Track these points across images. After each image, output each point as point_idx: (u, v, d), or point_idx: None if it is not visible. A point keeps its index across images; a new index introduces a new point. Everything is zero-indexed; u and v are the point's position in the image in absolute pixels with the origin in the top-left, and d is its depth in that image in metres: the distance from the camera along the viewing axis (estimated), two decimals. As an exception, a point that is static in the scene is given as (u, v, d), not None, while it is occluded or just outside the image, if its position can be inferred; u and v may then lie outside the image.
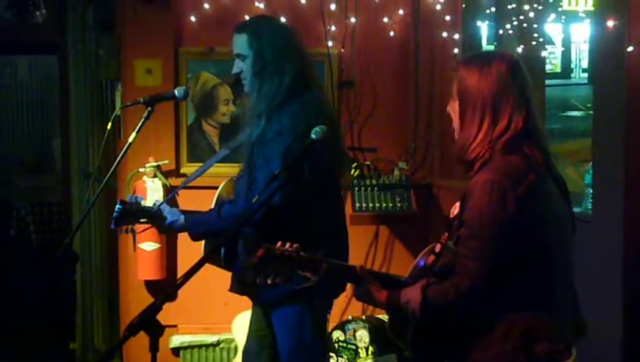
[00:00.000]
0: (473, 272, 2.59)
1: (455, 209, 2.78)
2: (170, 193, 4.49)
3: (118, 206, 3.80)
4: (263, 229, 3.53)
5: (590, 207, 4.72)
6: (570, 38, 23.11)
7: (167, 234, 4.16)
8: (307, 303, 3.54)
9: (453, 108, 2.83)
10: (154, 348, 2.52)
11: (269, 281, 2.96)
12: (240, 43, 3.82)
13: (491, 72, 2.73)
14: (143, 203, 3.91)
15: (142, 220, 3.86)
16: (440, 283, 2.66)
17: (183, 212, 3.88)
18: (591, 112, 4.62)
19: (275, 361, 4.03)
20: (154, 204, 3.91)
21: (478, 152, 2.70)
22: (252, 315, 4.20)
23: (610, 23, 4.10)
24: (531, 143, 2.72)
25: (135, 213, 3.83)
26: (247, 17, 4.74)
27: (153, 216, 3.83)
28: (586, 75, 23.41)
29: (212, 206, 3.95)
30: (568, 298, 2.77)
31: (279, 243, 2.83)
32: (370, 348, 5.27)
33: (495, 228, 2.58)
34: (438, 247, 2.79)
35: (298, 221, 3.67)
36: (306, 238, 3.39)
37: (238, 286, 3.97)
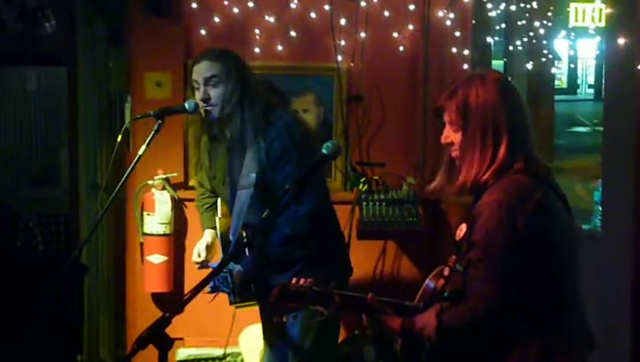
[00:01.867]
0: (486, 294, 2.58)
1: (461, 231, 2.74)
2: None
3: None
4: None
5: (599, 224, 4.72)
6: (577, 54, 23.14)
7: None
8: None
9: (450, 135, 2.83)
10: (162, 361, 2.52)
11: (284, 319, 2.98)
12: (216, 68, 3.97)
13: (489, 89, 2.73)
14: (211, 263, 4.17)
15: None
16: (454, 308, 2.63)
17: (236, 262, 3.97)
18: (597, 128, 4.64)
19: None
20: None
21: (489, 176, 2.69)
22: (266, 328, 4.20)
23: (621, 41, 4.11)
24: (532, 159, 2.72)
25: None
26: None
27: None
28: (592, 90, 23.44)
29: (219, 247, 4.16)
30: (579, 312, 2.76)
31: (294, 280, 2.84)
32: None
33: (504, 247, 2.57)
34: (446, 271, 2.78)
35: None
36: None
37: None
